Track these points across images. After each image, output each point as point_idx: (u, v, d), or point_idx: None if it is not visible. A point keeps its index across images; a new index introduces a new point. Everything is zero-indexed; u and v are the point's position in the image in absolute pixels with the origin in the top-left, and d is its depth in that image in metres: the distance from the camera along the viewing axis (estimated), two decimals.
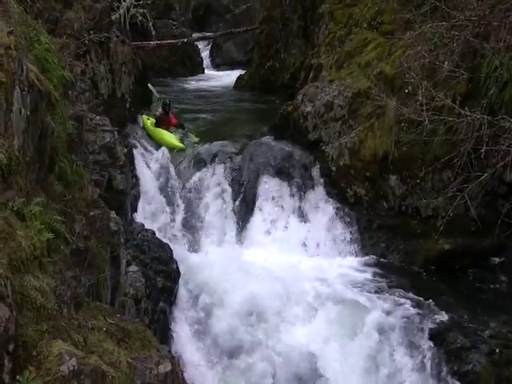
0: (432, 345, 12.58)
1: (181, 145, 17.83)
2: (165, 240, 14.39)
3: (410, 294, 14.06)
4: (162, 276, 13.25)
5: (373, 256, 15.63)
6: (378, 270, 15.12)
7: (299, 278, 14.26)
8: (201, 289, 13.67)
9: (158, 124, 18.70)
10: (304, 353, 12.83)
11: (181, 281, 13.66)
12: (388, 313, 13.35)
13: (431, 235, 15.52)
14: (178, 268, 13.65)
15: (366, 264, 15.33)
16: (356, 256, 15.73)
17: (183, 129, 19.00)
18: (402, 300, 13.84)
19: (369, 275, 14.89)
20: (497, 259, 15.48)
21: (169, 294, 13.21)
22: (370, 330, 13.00)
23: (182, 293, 13.59)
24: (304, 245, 15.82)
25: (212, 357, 12.71)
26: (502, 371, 12.12)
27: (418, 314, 13.34)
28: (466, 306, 13.88)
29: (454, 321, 13.15)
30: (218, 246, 15.34)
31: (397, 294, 14.07)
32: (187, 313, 13.26)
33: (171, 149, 17.46)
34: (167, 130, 18.58)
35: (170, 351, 10.42)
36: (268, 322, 13.25)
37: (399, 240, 15.88)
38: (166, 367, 8.04)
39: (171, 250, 13.90)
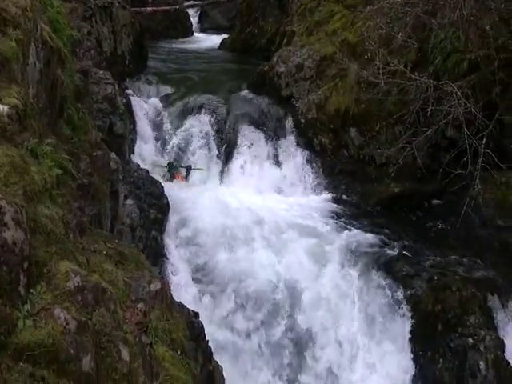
0: (383, 272, 12.68)
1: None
2: (156, 177, 14.33)
3: (365, 229, 14.15)
4: (154, 209, 13.20)
5: (335, 196, 15.68)
6: (339, 208, 15.16)
7: (272, 212, 14.30)
8: (187, 220, 13.67)
9: None
10: (275, 277, 12.89)
11: (170, 213, 13.63)
12: (348, 243, 13.43)
13: (384, 180, 15.60)
14: (168, 202, 13.61)
15: (330, 202, 15.36)
16: (320, 195, 15.74)
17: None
18: (359, 233, 13.93)
19: (331, 212, 14.92)
20: (438, 201, 15.59)
21: (160, 225, 13.18)
22: (332, 258, 13.08)
23: (171, 223, 13.56)
24: (277, 185, 15.80)
25: (196, 276, 12.74)
26: (439, 295, 12.24)
27: (372, 245, 13.46)
28: (412, 240, 14.00)
29: (401, 252, 13.27)
30: (203, 184, 15.27)
31: (354, 228, 14.16)
32: (175, 240, 13.24)
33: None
34: None
35: (160, 272, 10.49)
36: (241, 247, 13.31)
37: (357, 183, 15.93)
38: (156, 286, 8.04)
39: (162, 187, 13.85)
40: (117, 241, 7.79)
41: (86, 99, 9.66)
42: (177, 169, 15.65)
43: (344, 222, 14.49)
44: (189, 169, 15.68)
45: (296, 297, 12.64)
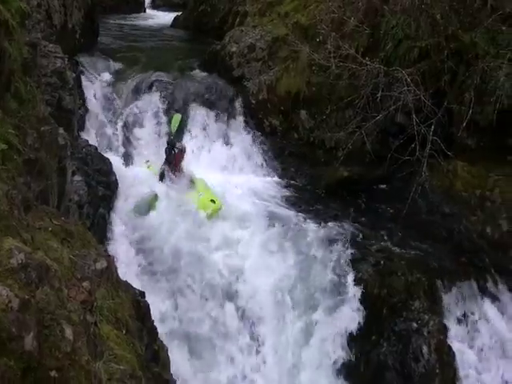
0: (329, 256, 12.70)
1: (217, 205, 13.53)
2: (106, 155, 14.06)
3: (313, 212, 14.18)
4: (102, 186, 12.97)
5: (284, 178, 15.66)
6: (287, 191, 15.17)
7: (220, 192, 14.16)
8: (135, 198, 13.48)
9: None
10: (221, 257, 12.84)
11: (119, 191, 13.43)
12: (295, 226, 13.42)
13: (333, 163, 15.59)
14: (116, 180, 13.40)
15: (279, 184, 15.33)
16: (269, 177, 15.78)
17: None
18: (306, 216, 13.94)
19: (280, 194, 14.92)
20: (385, 187, 15.66)
21: (108, 202, 12.97)
22: (277, 240, 13.05)
23: (119, 201, 13.36)
24: (226, 165, 15.76)
25: (142, 255, 12.59)
26: (385, 279, 12.35)
27: (318, 228, 13.46)
28: (359, 224, 14.05)
29: (348, 236, 13.29)
30: (152, 163, 15.06)
31: (302, 211, 14.18)
32: (122, 219, 13.05)
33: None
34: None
35: (106, 250, 10.31)
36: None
37: (306, 166, 15.95)
38: (102, 264, 7.90)
39: (111, 164, 13.60)
40: (63, 218, 7.59)
41: (34, 73, 9.37)
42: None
43: (292, 205, 14.50)
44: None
45: (239, 279, 12.63)
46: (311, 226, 13.45)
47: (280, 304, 12.28)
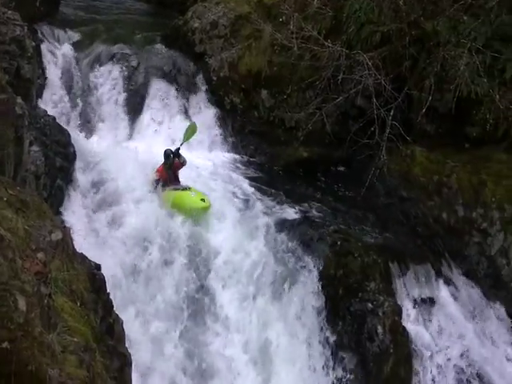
0: (287, 236, 12.62)
1: (205, 204, 13.08)
2: (64, 126, 13.76)
3: (271, 191, 14.08)
4: (60, 157, 12.70)
5: (243, 155, 15.54)
6: (246, 168, 15.06)
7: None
8: (92, 171, 13.25)
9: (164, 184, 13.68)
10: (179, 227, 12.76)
11: (77, 163, 13.16)
12: (252, 204, 13.33)
13: (293, 143, 15.58)
14: (74, 151, 13.12)
15: (237, 161, 15.19)
16: (228, 154, 15.68)
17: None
18: (264, 195, 13.86)
19: (238, 171, 14.81)
20: (344, 169, 15.62)
21: (65, 173, 12.72)
22: (236, 218, 13.00)
23: (77, 173, 13.11)
24: None
25: (101, 226, 12.40)
26: (341, 260, 12.34)
27: (277, 208, 13.38)
28: (317, 205, 13.98)
29: (306, 216, 13.26)
30: (111, 135, 14.80)
31: (260, 189, 14.08)
32: (80, 191, 12.82)
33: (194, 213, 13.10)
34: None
35: (62, 222, 10.10)
36: (147, 199, 13.11)
37: (266, 145, 15.87)
38: (57, 235, 7.71)
39: (69, 135, 13.31)
40: (19, 188, 7.40)
41: None
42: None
43: (250, 183, 14.36)
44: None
45: (199, 255, 12.53)
46: (269, 205, 13.36)
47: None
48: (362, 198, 14.29)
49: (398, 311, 12.13)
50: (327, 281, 12.08)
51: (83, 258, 8.25)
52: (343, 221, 13.64)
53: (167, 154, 13.55)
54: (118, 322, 7.80)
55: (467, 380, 12.15)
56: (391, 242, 13.30)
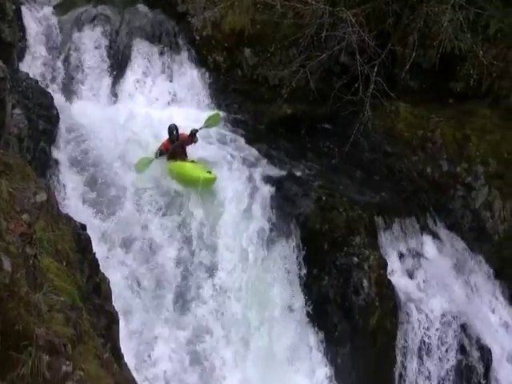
0: (272, 191, 12.61)
1: (213, 175, 12.70)
2: (47, 89, 13.63)
3: (255, 148, 14.04)
4: (43, 120, 12.58)
5: (227, 114, 15.40)
6: (230, 126, 14.93)
7: (164, 126, 13.77)
8: (77, 133, 13.14)
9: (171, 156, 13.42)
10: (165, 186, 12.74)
11: (60, 125, 13.04)
12: (237, 161, 13.28)
13: (276, 101, 15.45)
14: (57, 113, 13.00)
15: (222, 120, 15.01)
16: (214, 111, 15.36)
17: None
18: (249, 152, 13.86)
19: (223, 129, 14.67)
20: (328, 125, 15.55)
21: (49, 136, 12.59)
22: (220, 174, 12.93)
23: (61, 135, 13.00)
24: (169, 101, 15.38)
25: (85, 189, 12.32)
26: (327, 215, 12.36)
27: (262, 164, 13.37)
28: (302, 161, 14.02)
29: (291, 172, 13.26)
30: (94, 97, 14.66)
31: (245, 147, 14.08)
32: (65, 152, 12.73)
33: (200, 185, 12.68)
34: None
35: (47, 184, 10.06)
36: (133, 159, 13.01)
37: (250, 103, 15.73)
38: (42, 197, 7.69)
39: (52, 98, 13.19)
40: (2, 151, 7.38)
41: None
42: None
43: (234, 141, 14.31)
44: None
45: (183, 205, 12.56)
46: (253, 162, 13.37)
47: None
48: (346, 154, 14.27)
49: (383, 265, 12.21)
50: (312, 236, 12.12)
51: (68, 218, 8.24)
52: (328, 176, 13.66)
53: (171, 129, 13.30)
54: (104, 280, 7.82)
55: (453, 331, 12.26)
56: (376, 197, 13.34)
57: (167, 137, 13.40)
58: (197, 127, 13.45)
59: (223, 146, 13.95)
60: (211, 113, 14.38)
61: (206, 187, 12.58)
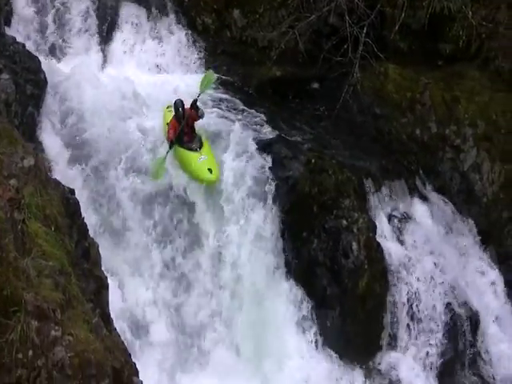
0: (262, 154, 12.51)
1: (213, 177, 12.13)
2: (34, 53, 13.43)
3: (245, 110, 13.94)
4: (30, 84, 12.40)
5: (216, 76, 15.25)
6: (220, 89, 14.71)
7: (153, 89, 13.90)
8: (65, 98, 12.96)
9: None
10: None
11: (48, 89, 12.88)
12: (226, 124, 13.15)
13: (266, 63, 15.25)
14: (45, 78, 12.81)
15: None
16: (202, 75, 15.16)
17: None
18: (239, 114, 13.74)
19: (212, 92, 14.37)
20: (318, 87, 15.40)
21: (37, 100, 12.44)
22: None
23: (49, 100, 12.84)
24: (159, 64, 15.15)
25: (73, 153, 12.21)
26: (316, 177, 12.28)
27: (251, 127, 13.24)
28: (291, 123, 13.92)
29: (280, 135, 13.12)
30: (81, 61, 14.41)
31: (234, 109, 13.94)
32: (52, 117, 12.59)
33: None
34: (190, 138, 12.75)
35: (35, 149, 9.96)
36: (120, 123, 12.88)
37: (238, 65, 15.51)
38: (30, 162, 7.66)
39: (39, 62, 12.98)
40: None
41: None
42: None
43: (224, 103, 14.17)
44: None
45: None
46: (243, 125, 13.18)
47: None
48: (335, 116, 14.19)
49: (372, 227, 12.21)
50: (301, 199, 12.08)
51: (57, 183, 8.20)
52: (317, 139, 13.56)
53: (177, 105, 12.64)
54: (93, 245, 7.80)
55: (442, 293, 12.31)
56: (365, 160, 13.27)
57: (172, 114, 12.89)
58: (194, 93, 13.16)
59: (212, 110, 13.72)
60: (203, 75, 13.81)
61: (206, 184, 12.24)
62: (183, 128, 12.55)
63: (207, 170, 12.12)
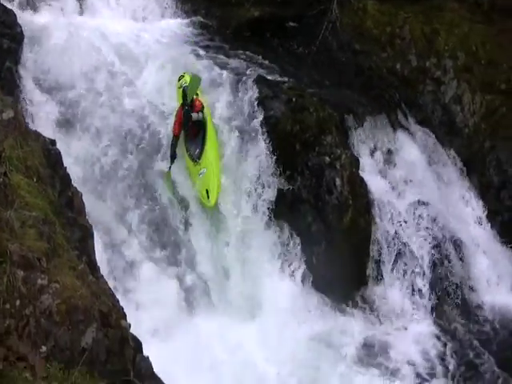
0: (244, 96, 12.32)
1: (210, 202, 11.22)
2: (8, 6, 13.14)
3: (224, 53, 13.72)
4: (7, 38, 12.07)
5: (194, 20, 14.96)
6: (198, 32, 14.51)
7: (133, 38, 13.56)
8: (42, 50, 12.68)
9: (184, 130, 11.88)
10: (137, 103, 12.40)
11: (25, 42, 12.63)
12: (207, 67, 12.99)
13: (244, 4, 15.03)
14: (22, 31, 12.50)
15: (189, 26, 14.65)
16: (180, 19, 15.00)
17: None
18: (218, 57, 13.49)
19: (190, 35, 14.29)
20: (296, 25, 15.11)
21: (14, 55, 12.17)
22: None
23: (27, 54, 12.58)
24: (136, 10, 14.87)
25: (53, 104, 11.99)
26: (297, 116, 12.18)
27: (231, 69, 13.03)
28: (270, 63, 13.72)
29: (260, 75, 12.90)
30: (58, 12, 14.15)
31: (213, 52, 13.68)
32: (31, 70, 12.36)
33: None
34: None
35: (14, 102, 9.83)
36: (100, 76, 12.61)
37: (216, 7, 15.18)
38: (9, 114, 7.61)
39: (15, 15, 12.63)
40: None
41: None
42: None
43: (203, 46, 13.93)
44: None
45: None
46: (223, 66, 13.02)
47: None
48: (315, 54, 14.04)
49: (355, 163, 12.16)
50: (283, 137, 11.94)
51: (37, 134, 8.13)
52: (298, 77, 13.42)
53: (185, 91, 11.79)
54: (77, 194, 7.75)
55: (426, 224, 12.34)
56: (346, 96, 13.20)
57: None
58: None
59: (188, 53, 13.46)
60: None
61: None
62: (188, 122, 11.78)
63: (205, 191, 11.31)
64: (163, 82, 12.86)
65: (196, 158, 11.68)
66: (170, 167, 11.72)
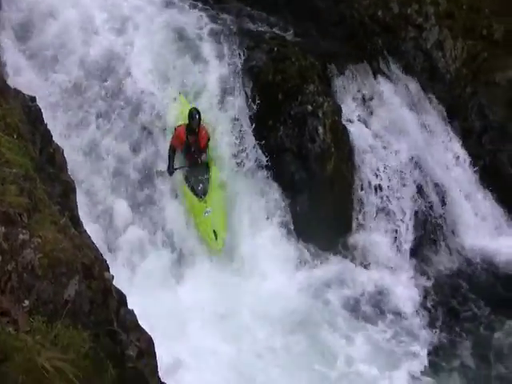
0: (223, 49, 12.26)
1: (218, 245, 10.88)
2: None
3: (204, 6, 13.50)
4: None
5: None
6: None
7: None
8: (21, 8, 12.35)
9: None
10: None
11: (6, 7, 12.27)
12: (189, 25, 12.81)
13: None
14: None
15: None
16: None
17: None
18: (198, 11, 13.23)
19: None
20: None
21: None
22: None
23: (5, 13, 12.20)
24: None
25: (31, 61, 11.76)
26: (279, 65, 12.18)
27: (208, 19, 12.91)
28: (250, 14, 13.54)
29: (241, 26, 12.92)
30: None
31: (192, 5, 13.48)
32: (9, 29, 12.05)
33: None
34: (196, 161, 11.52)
35: None
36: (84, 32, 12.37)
37: None
38: None
39: None
40: None
41: None
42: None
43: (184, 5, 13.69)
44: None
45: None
46: (202, 17, 12.90)
47: None
48: (296, 3, 13.78)
49: (337, 111, 12.13)
50: (265, 87, 11.94)
51: (17, 91, 8.04)
52: (279, 27, 13.29)
53: (192, 114, 11.17)
54: (58, 150, 7.70)
55: (409, 170, 12.35)
56: (328, 45, 13.09)
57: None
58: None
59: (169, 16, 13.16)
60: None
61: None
62: (189, 145, 11.38)
63: (212, 232, 10.89)
64: None
65: (201, 194, 11.28)
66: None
